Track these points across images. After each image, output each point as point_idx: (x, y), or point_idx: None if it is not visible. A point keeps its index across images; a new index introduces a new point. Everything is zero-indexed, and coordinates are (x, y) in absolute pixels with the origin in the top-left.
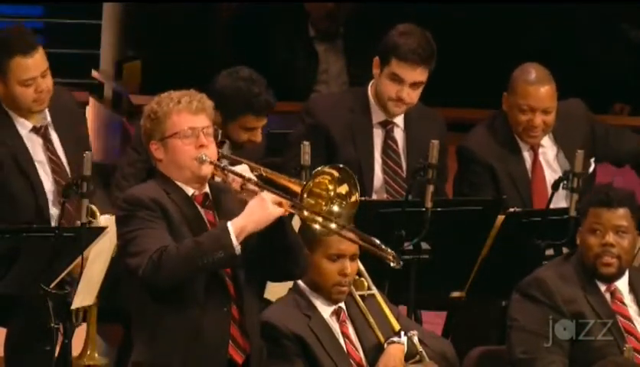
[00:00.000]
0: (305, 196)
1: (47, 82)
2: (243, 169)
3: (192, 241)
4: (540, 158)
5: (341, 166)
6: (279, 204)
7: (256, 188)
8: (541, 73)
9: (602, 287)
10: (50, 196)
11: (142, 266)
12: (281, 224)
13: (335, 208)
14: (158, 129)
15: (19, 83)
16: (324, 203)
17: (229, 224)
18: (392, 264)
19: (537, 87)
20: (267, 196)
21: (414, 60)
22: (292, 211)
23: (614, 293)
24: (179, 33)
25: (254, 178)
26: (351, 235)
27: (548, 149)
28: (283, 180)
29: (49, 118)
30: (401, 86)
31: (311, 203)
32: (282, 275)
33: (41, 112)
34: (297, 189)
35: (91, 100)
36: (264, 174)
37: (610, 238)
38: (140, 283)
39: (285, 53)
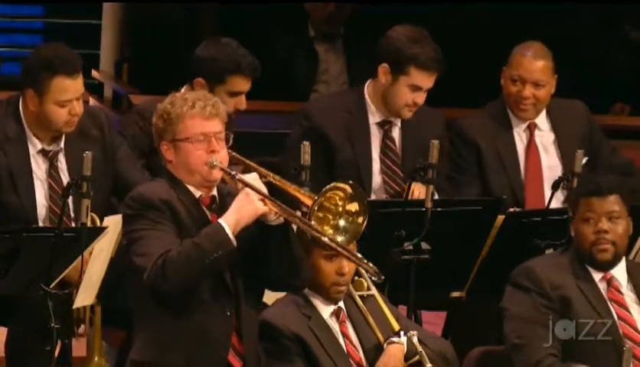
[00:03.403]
0: (315, 209)
1: (81, 106)
2: (253, 178)
3: (191, 244)
4: (537, 140)
5: (353, 183)
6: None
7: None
8: (539, 48)
9: (598, 277)
10: (42, 213)
11: (147, 271)
12: (286, 236)
13: (342, 222)
14: (170, 130)
15: (56, 103)
16: (332, 217)
17: (222, 221)
18: (373, 279)
19: (531, 59)
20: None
21: (435, 69)
22: (299, 225)
23: (610, 282)
24: (178, 33)
25: (264, 191)
26: (341, 250)
27: (545, 133)
28: (294, 191)
29: (62, 145)
30: (419, 92)
31: (320, 217)
32: (282, 286)
33: (63, 134)
34: (307, 201)
35: (91, 100)
36: (273, 181)
37: (604, 224)
38: (146, 287)
39: (285, 53)
